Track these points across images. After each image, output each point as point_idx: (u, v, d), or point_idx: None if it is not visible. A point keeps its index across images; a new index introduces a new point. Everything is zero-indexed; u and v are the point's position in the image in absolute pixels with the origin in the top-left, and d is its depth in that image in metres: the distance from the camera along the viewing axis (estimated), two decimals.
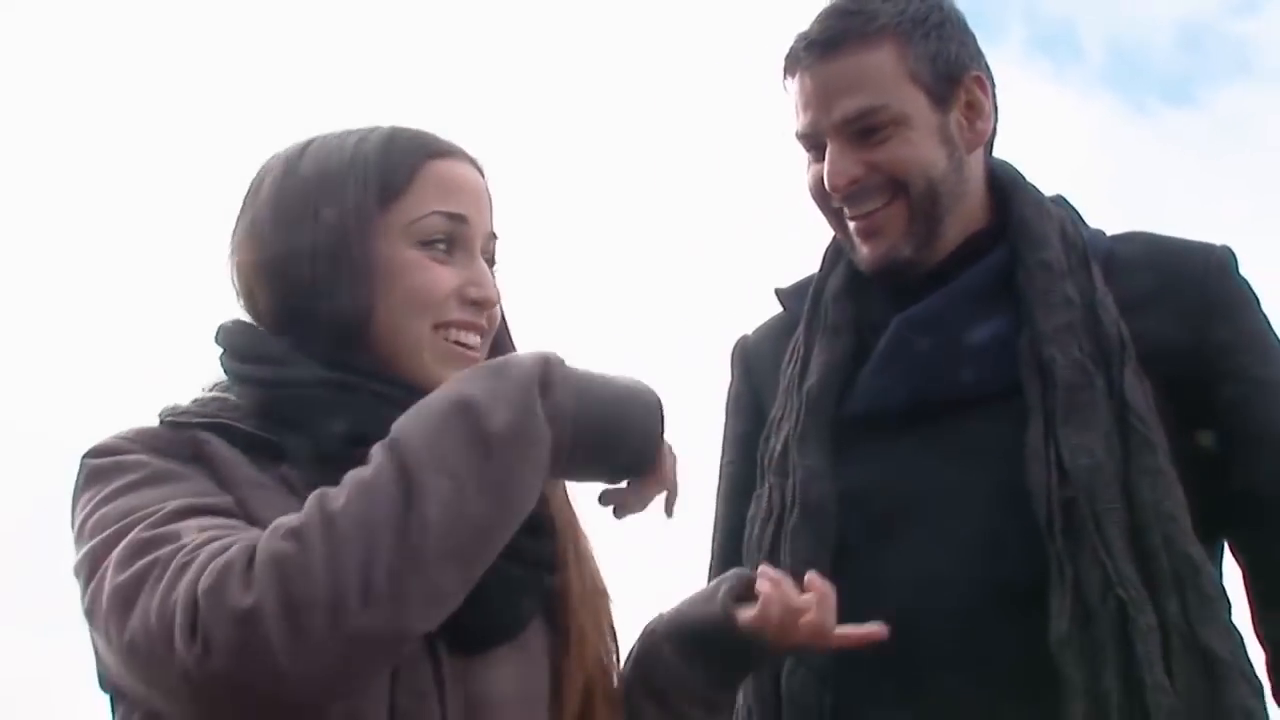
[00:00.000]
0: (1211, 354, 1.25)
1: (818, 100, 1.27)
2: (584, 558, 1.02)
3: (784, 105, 1.33)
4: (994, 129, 1.33)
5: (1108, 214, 1.41)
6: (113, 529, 0.83)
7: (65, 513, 0.93)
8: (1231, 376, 1.25)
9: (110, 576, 0.80)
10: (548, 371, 0.86)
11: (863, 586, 1.13)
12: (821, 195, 1.30)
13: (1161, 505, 1.16)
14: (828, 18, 1.28)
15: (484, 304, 0.98)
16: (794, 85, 1.30)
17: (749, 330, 1.49)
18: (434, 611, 0.80)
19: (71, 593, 0.90)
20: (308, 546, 0.75)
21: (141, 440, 0.92)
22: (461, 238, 0.97)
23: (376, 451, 0.81)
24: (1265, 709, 1.18)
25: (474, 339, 0.98)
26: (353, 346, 0.95)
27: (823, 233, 1.39)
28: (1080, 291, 1.24)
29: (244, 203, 1.01)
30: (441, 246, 0.96)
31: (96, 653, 0.89)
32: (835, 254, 1.39)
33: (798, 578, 1.12)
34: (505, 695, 0.94)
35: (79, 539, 0.88)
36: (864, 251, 1.29)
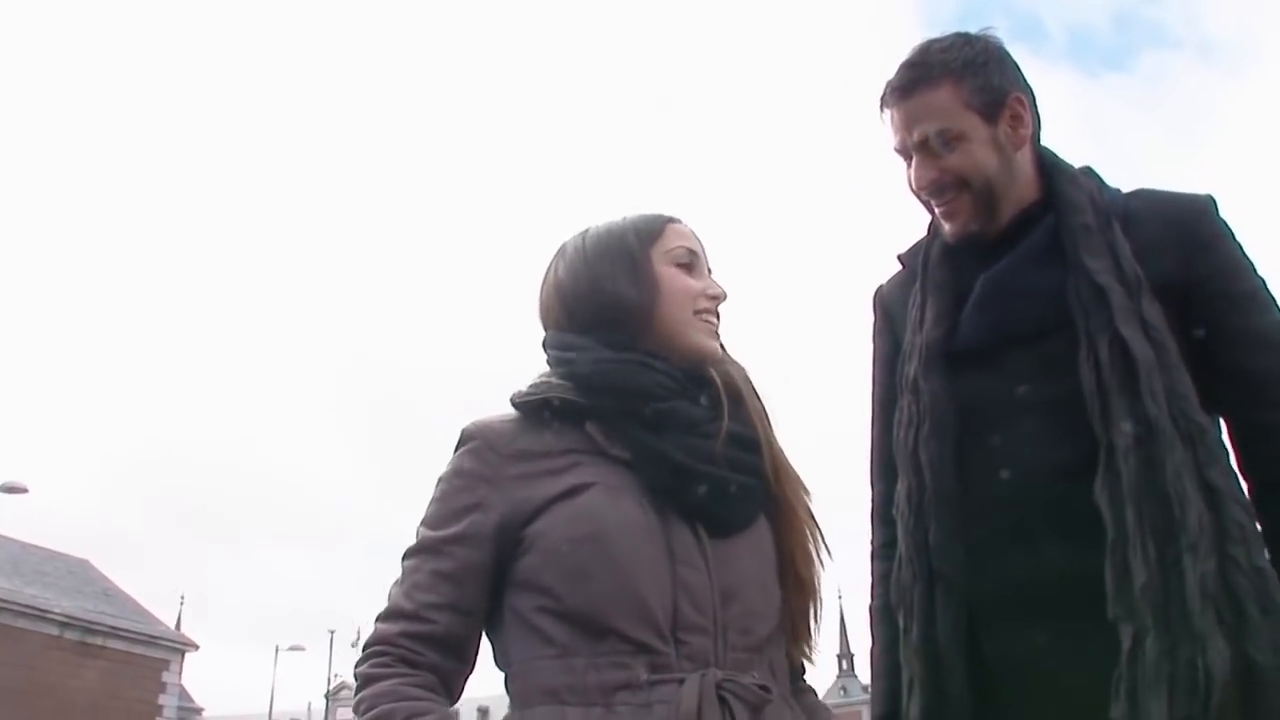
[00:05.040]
0: (1199, 280, 1.67)
1: (902, 127, 1.74)
2: (789, 476, 1.52)
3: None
4: (1037, 129, 1.76)
5: (1077, 153, 1.82)
6: (420, 527, 1.43)
7: None
8: (1215, 295, 1.66)
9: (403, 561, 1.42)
10: None
11: (980, 471, 1.64)
12: (915, 191, 1.78)
13: (1176, 388, 1.58)
14: (902, 69, 1.75)
15: (719, 298, 1.53)
16: (886, 117, 1.77)
17: (882, 282, 1.98)
18: None
19: None
20: None
21: (490, 433, 1.44)
22: (697, 264, 1.54)
23: None
24: (1253, 523, 1.55)
25: (715, 320, 1.52)
26: (642, 335, 1.46)
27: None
28: (1108, 243, 1.67)
29: (552, 265, 1.56)
30: (686, 266, 1.51)
31: None
32: (934, 229, 1.85)
33: (933, 472, 1.65)
34: (746, 565, 1.42)
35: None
36: (947, 228, 1.77)
